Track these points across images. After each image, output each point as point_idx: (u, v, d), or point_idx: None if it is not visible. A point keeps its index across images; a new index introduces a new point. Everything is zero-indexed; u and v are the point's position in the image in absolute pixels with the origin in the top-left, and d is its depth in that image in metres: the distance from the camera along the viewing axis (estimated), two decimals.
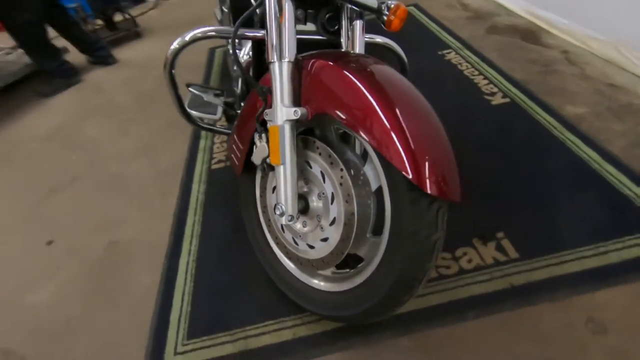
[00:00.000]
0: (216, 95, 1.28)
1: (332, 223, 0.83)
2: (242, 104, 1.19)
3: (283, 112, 0.77)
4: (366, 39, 1.04)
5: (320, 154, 0.83)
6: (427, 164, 0.66)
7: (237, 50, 0.96)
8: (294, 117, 0.77)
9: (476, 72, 1.86)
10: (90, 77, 2.63)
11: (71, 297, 1.23)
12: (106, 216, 1.50)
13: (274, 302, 1.07)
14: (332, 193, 0.82)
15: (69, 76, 2.56)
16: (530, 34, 2.09)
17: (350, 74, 0.72)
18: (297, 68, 0.80)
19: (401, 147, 0.66)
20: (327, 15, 0.97)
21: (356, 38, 0.95)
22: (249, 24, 0.94)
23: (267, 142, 0.82)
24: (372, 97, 0.69)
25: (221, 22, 1.75)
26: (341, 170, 0.79)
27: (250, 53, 1.19)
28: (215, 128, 1.31)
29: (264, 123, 0.83)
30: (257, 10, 0.96)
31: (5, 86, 2.47)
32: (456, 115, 1.63)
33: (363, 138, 0.70)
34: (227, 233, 1.32)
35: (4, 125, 2.24)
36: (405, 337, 0.97)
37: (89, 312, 1.18)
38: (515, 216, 1.19)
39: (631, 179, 1.21)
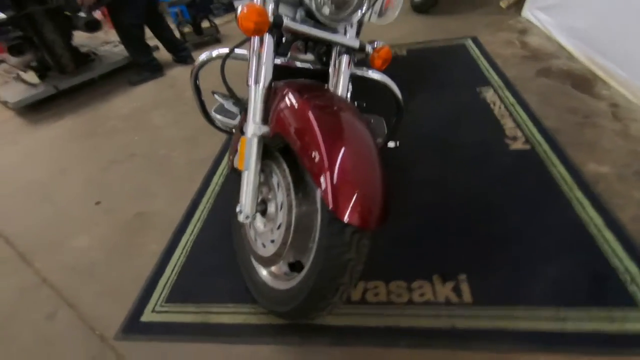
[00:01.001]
0: (235, 103, 1.48)
1: (279, 228, 0.96)
2: None
3: (252, 127, 0.93)
4: (362, 74, 1.16)
5: (279, 168, 0.97)
6: (346, 195, 0.75)
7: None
8: (259, 133, 0.92)
9: (506, 114, 1.82)
10: (170, 73, 3.09)
11: (99, 248, 1.53)
12: (143, 190, 1.81)
13: (242, 289, 1.22)
14: (282, 202, 0.95)
15: (155, 71, 3.04)
16: (583, 82, 1.97)
17: (307, 107, 0.84)
18: (272, 92, 0.95)
19: (328, 178, 0.76)
20: (323, 49, 1.11)
21: (341, 71, 1.06)
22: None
23: None
24: (317, 131, 0.80)
25: None
26: (289, 184, 0.92)
27: None
28: (232, 132, 1.52)
29: None
30: None
31: (107, 72, 3.03)
32: (468, 153, 1.63)
33: (303, 165, 0.82)
34: (227, 223, 1.50)
35: (97, 104, 2.76)
36: (338, 347, 1.05)
37: (108, 262, 1.46)
38: (487, 262, 1.18)
39: (627, 251, 1.12)
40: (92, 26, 2.48)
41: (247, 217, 0.96)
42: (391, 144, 1.70)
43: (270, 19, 0.86)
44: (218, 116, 1.49)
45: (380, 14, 1.08)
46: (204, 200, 1.64)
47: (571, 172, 1.42)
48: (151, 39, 3.04)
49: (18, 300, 1.36)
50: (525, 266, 1.15)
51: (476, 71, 2.24)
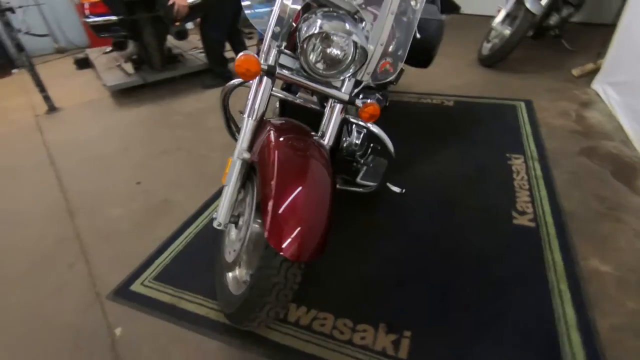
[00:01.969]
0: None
1: (239, 240, 1.10)
2: None
3: (237, 151, 1.10)
4: (354, 121, 1.27)
5: (253, 190, 1.12)
6: (281, 227, 0.87)
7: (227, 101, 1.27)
8: (241, 157, 1.08)
9: (526, 186, 1.76)
10: None
11: (126, 221, 1.81)
12: (175, 180, 2.09)
13: (213, 286, 1.38)
14: (246, 219, 1.09)
15: (226, 80, 3.43)
16: (626, 171, 1.82)
17: (277, 146, 0.98)
18: (262, 125, 1.11)
19: (270, 209, 0.88)
20: (323, 95, 1.25)
21: (332, 117, 1.18)
22: None
23: None
24: (276, 168, 0.93)
25: None
26: (253, 205, 1.06)
27: None
28: None
29: None
30: None
31: (187, 73, 3.50)
32: (470, 216, 1.62)
33: (260, 194, 0.96)
34: None
35: (171, 99, 3.20)
36: None
37: (128, 234, 1.73)
38: (439, 327, 1.19)
39: (588, 357, 1.05)
40: (181, 35, 2.93)
41: (219, 225, 1.12)
42: (396, 189, 1.77)
43: (265, 67, 1.03)
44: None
45: (375, 76, 1.18)
46: (216, 203, 1.86)
47: (566, 262, 1.35)
48: (229, 52, 3.45)
49: (54, 246, 1.67)
50: (474, 343, 1.14)
51: (515, 136, 2.19)
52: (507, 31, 3.10)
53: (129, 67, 3.32)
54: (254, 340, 1.19)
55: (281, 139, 1.01)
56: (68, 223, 1.81)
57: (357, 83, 1.19)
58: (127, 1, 2.72)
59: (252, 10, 1.20)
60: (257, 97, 1.09)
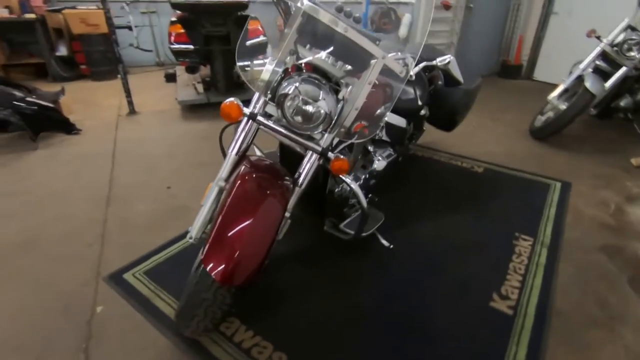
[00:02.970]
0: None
1: None
2: None
3: (217, 179, 1.27)
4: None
5: None
6: (216, 252, 1.01)
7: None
8: (218, 185, 1.25)
9: (521, 271, 1.66)
10: None
11: (147, 217, 2.08)
12: (200, 190, 2.31)
13: None
14: None
15: None
16: None
17: (240, 181, 1.13)
18: (242, 159, 1.27)
19: (212, 234, 1.03)
20: None
21: (308, 163, 1.29)
22: None
23: None
24: (230, 200, 1.08)
25: None
26: None
27: None
28: None
29: None
30: None
31: (246, 100, 3.89)
32: (449, 287, 1.58)
33: None
34: None
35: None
36: None
37: (143, 229, 1.98)
38: None
39: None
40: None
41: (191, 238, 1.28)
42: (385, 243, 1.80)
43: (247, 112, 1.20)
44: None
45: (349, 134, 1.28)
46: None
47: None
48: None
49: (83, 225, 1.99)
50: None
51: (533, 216, 2.07)
52: (563, 106, 2.96)
53: (200, 87, 3.82)
54: (196, 349, 1.30)
55: (248, 176, 1.15)
56: (102, 208, 2.14)
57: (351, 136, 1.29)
58: (206, 35, 3.21)
59: (249, 69, 1.39)
60: (240, 136, 1.27)
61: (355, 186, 1.43)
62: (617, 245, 1.85)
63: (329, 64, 1.24)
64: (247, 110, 1.22)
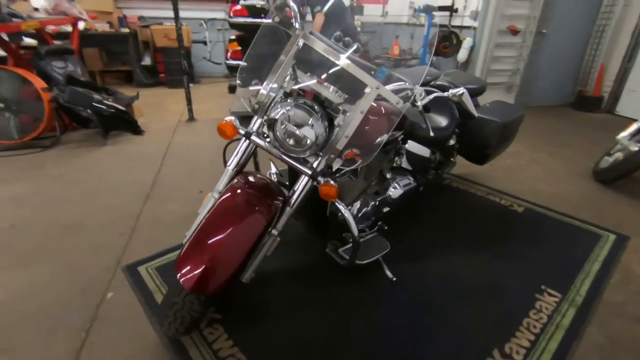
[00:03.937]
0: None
1: None
2: None
3: (214, 190, 1.35)
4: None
5: None
6: (188, 262, 1.07)
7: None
8: (213, 196, 1.33)
9: (536, 330, 1.47)
10: None
11: (176, 217, 2.26)
12: None
13: None
14: None
15: None
16: None
17: (228, 194, 1.19)
18: (234, 176, 1.33)
19: (188, 243, 1.11)
20: None
21: (300, 184, 1.31)
22: None
23: None
24: (212, 212, 1.16)
25: None
26: None
27: None
28: None
29: None
30: None
31: None
32: (442, 335, 1.47)
33: None
34: None
35: None
36: None
37: (170, 227, 2.15)
38: None
39: None
40: None
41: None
42: (389, 274, 1.75)
43: (243, 132, 1.26)
44: None
45: (340, 162, 1.26)
46: None
47: None
48: None
49: (120, 217, 2.22)
50: None
51: (570, 270, 1.83)
52: (635, 148, 2.59)
53: (253, 100, 4.06)
54: (177, 348, 1.37)
55: (235, 190, 1.21)
56: (141, 204, 2.37)
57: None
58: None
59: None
60: (237, 153, 1.33)
61: (347, 213, 1.42)
62: None
63: (328, 91, 1.26)
64: (242, 130, 1.28)
